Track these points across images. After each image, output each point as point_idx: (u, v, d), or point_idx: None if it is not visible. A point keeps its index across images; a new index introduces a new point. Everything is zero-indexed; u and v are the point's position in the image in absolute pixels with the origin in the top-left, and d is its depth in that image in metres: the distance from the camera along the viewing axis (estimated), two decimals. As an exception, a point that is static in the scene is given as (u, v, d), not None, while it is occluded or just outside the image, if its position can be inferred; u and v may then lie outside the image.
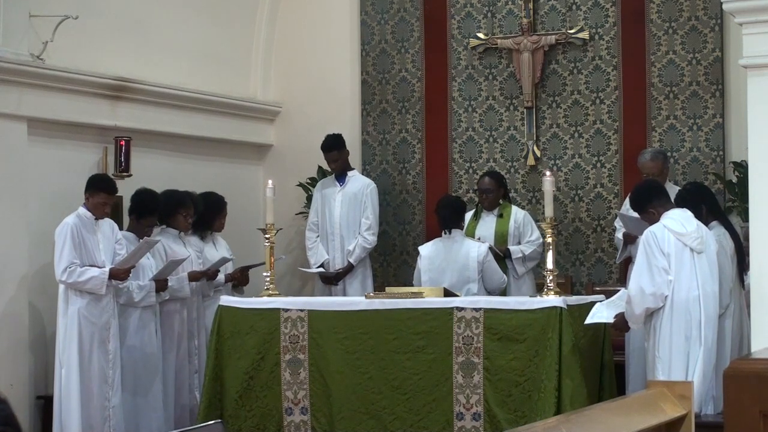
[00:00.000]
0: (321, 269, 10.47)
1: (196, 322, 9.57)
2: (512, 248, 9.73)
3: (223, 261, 9.69)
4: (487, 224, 9.86)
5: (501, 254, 9.62)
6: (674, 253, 7.57)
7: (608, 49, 10.56)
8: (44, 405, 9.22)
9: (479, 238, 9.63)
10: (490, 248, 9.34)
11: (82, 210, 8.77)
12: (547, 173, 8.63)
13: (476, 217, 9.94)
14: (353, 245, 10.47)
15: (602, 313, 8.09)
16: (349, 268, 10.49)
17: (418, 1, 11.12)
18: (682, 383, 4.64)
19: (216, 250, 9.91)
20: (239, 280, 9.96)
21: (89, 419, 8.58)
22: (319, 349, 8.57)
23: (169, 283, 9.16)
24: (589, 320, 8.06)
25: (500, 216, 9.88)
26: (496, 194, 9.90)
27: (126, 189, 9.48)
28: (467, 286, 9.10)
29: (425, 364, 8.31)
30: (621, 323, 7.90)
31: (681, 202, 8.10)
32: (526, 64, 10.65)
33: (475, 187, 10.65)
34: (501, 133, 10.86)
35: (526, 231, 9.84)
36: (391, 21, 11.22)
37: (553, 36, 10.64)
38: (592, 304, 8.44)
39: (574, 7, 10.65)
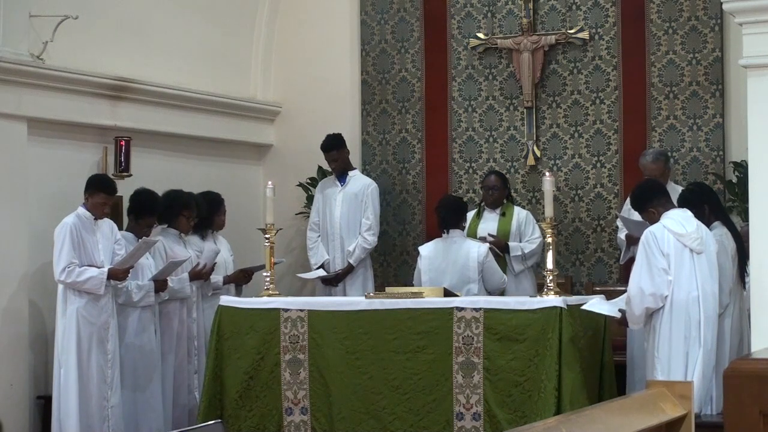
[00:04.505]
0: (320, 270, 10.46)
1: (196, 322, 9.57)
2: (512, 245, 9.74)
3: (213, 254, 9.61)
4: (490, 223, 9.86)
5: (500, 253, 9.61)
6: (674, 254, 7.57)
7: (608, 49, 10.56)
8: (44, 405, 9.22)
9: (484, 237, 9.61)
10: (490, 248, 9.34)
11: (81, 210, 8.78)
12: (547, 173, 8.63)
13: (479, 215, 9.95)
14: (353, 246, 10.46)
15: (602, 306, 8.09)
16: (349, 269, 10.48)
17: (418, 1, 11.12)
18: (682, 383, 4.64)
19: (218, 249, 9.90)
20: (240, 281, 9.94)
21: (88, 419, 8.59)
22: (319, 349, 8.57)
23: (170, 284, 9.16)
24: (587, 306, 8.06)
25: (503, 215, 9.89)
26: (501, 192, 9.92)
27: (126, 189, 9.48)
28: (467, 286, 9.10)
29: (425, 364, 8.31)
30: (624, 319, 7.91)
31: (684, 202, 8.09)
32: (526, 64, 10.65)
33: (476, 187, 10.67)
34: (501, 133, 10.86)
35: (527, 230, 9.85)
36: (391, 21, 11.21)
37: (553, 36, 10.64)
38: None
39: (574, 7, 10.65)
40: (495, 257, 9.38)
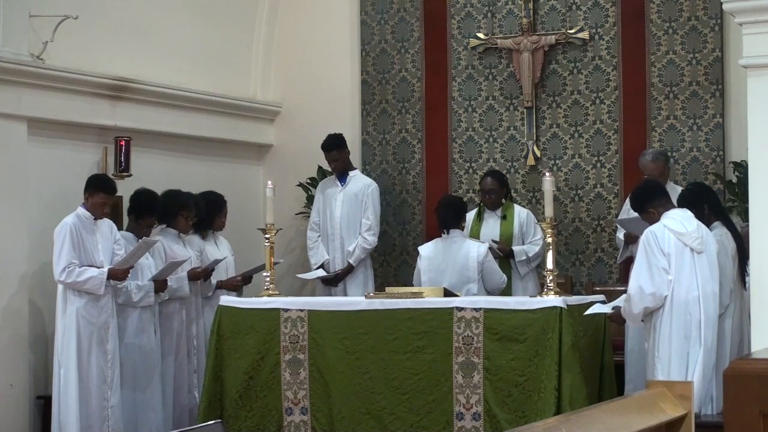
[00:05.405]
0: (320, 270, 10.46)
1: (196, 322, 9.57)
2: (516, 250, 9.72)
3: (215, 262, 9.63)
4: (491, 226, 9.84)
5: (502, 254, 9.61)
6: (674, 253, 7.57)
7: (608, 49, 10.56)
8: (44, 405, 9.21)
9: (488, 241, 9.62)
10: (490, 248, 9.34)
11: (81, 210, 8.78)
12: (547, 173, 8.63)
13: (479, 218, 9.92)
14: (353, 246, 10.46)
15: (602, 308, 8.12)
16: (349, 269, 10.48)
17: (418, 1, 11.12)
18: (682, 383, 4.64)
19: (218, 249, 9.90)
20: (236, 288, 9.90)
21: (88, 419, 8.59)
22: (319, 349, 8.57)
23: (169, 283, 9.16)
24: (587, 312, 8.11)
25: (504, 218, 9.86)
26: (498, 194, 9.90)
27: (126, 189, 9.48)
28: (467, 286, 9.09)
29: (425, 364, 8.31)
30: (618, 317, 7.93)
31: (683, 202, 8.09)
32: (526, 64, 10.65)
33: (476, 187, 10.66)
34: (501, 133, 10.86)
35: (529, 231, 9.84)
36: (391, 21, 11.22)
37: (553, 36, 10.64)
38: (592, 304, 8.46)
39: (574, 7, 10.65)
40: (497, 259, 9.39)
